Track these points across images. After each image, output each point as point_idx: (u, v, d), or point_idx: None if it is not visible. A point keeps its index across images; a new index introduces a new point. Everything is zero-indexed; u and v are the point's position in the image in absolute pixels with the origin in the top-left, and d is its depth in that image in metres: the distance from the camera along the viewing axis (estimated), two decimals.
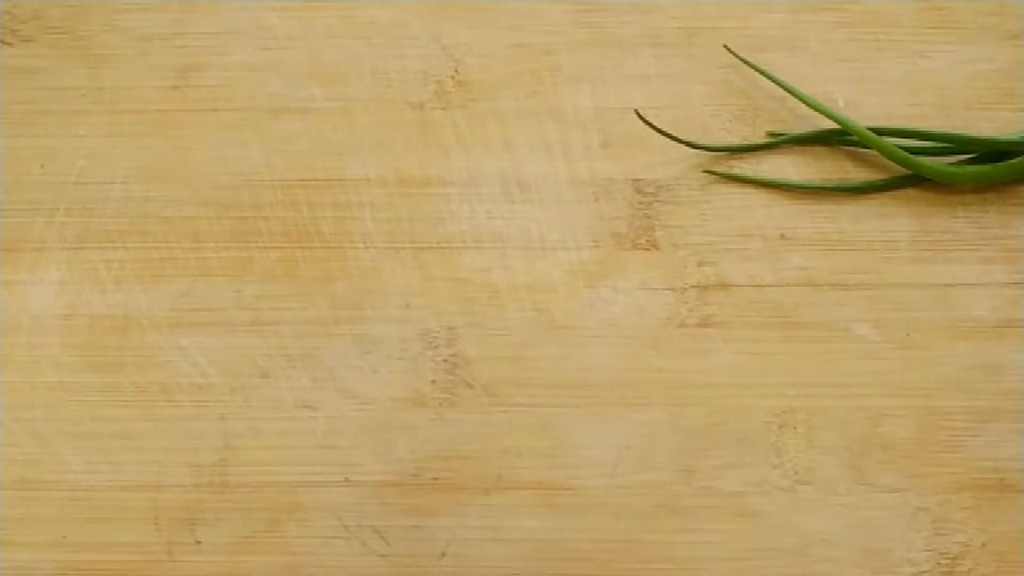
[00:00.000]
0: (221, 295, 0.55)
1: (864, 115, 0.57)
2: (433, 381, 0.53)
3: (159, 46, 0.60)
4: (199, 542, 0.51)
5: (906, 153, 0.56)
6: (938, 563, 0.50)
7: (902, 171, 0.56)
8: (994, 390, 0.52)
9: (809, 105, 0.57)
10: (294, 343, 0.54)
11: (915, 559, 0.50)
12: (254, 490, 0.52)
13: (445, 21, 0.60)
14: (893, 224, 0.56)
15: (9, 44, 0.60)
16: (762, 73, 0.57)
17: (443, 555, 0.51)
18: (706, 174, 0.57)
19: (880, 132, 0.56)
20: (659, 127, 0.56)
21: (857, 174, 0.57)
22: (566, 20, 0.60)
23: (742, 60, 0.58)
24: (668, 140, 0.56)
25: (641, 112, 0.56)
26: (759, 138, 0.57)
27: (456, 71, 0.59)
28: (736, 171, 0.57)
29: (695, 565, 0.50)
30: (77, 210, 0.57)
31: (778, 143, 0.57)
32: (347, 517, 0.52)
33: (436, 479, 0.52)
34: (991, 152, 0.56)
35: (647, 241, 0.56)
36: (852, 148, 0.57)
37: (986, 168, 0.55)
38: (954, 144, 0.56)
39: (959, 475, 0.51)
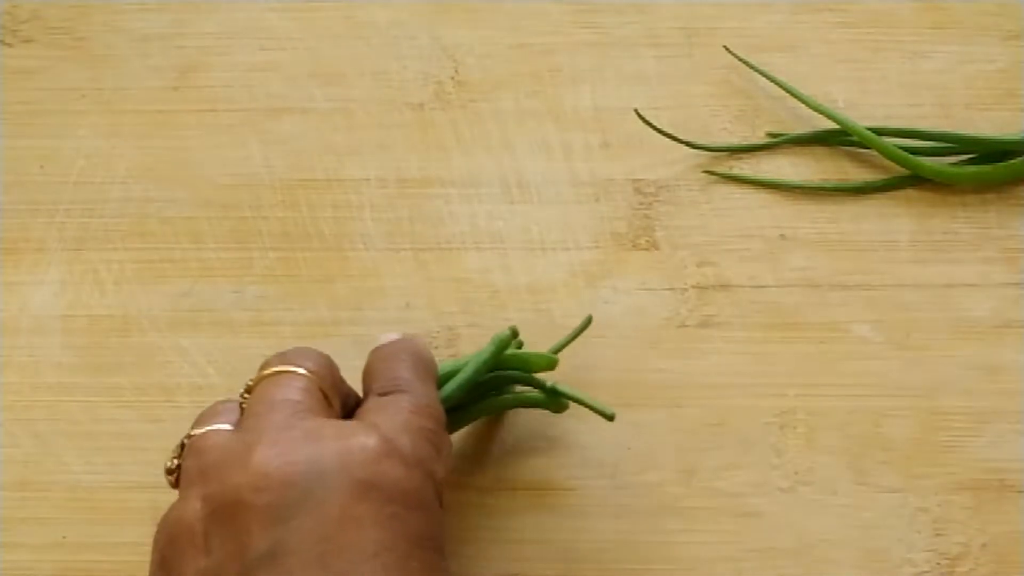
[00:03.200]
0: (221, 296, 0.55)
1: (864, 115, 0.57)
2: None
3: (159, 46, 0.60)
4: None
5: (906, 153, 0.56)
6: (938, 564, 0.50)
7: (902, 171, 0.56)
8: (994, 390, 0.52)
9: (809, 105, 0.57)
10: (294, 343, 0.54)
11: (915, 560, 0.50)
12: None
13: (445, 21, 0.60)
14: (893, 224, 0.56)
15: (9, 45, 0.60)
16: (762, 73, 0.57)
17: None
18: (706, 174, 0.57)
19: (880, 132, 0.56)
20: (659, 127, 0.56)
21: (857, 174, 0.57)
22: (566, 20, 0.60)
23: (742, 60, 0.58)
24: (668, 140, 0.56)
25: (641, 112, 0.57)
26: (759, 138, 0.57)
27: (456, 71, 0.59)
28: (736, 171, 0.57)
29: (695, 565, 0.50)
30: (77, 210, 0.57)
31: (778, 143, 0.57)
32: None
33: None
34: (991, 152, 0.56)
35: (647, 241, 0.56)
36: (852, 148, 0.57)
37: (986, 168, 0.55)
38: (954, 144, 0.56)
39: (959, 476, 0.51)
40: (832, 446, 0.52)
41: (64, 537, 0.51)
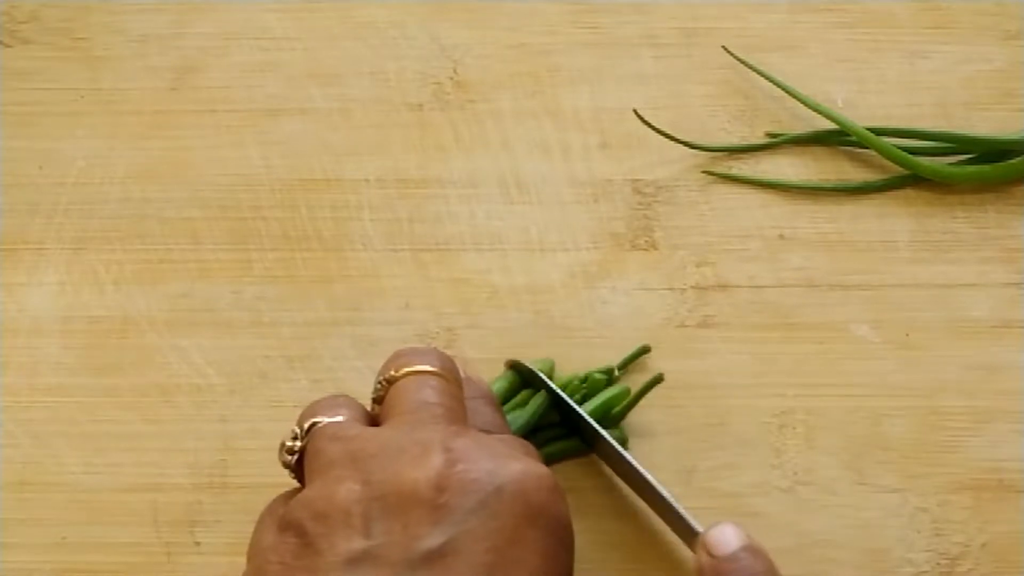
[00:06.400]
0: (220, 296, 0.55)
1: (863, 115, 0.57)
2: None
3: (157, 47, 0.60)
4: (198, 543, 0.51)
5: (905, 153, 0.56)
6: (937, 563, 0.50)
7: (901, 171, 0.56)
8: (993, 390, 0.52)
9: (808, 105, 0.57)
10: (293, 344, 0.54)
11: (915, 559, 0.50)
12: (253, 491, 0.52)
13: (443, 22, 0.60)
14: (892, 224, 0.56)
15: (8, 46, 0.60)
16: (760, 74, 0.57)
17: None
18: (705, 174, 0.57)
19: (879, 132, 0.56)
20: (658, 127, 0.56)
21: (856, 174, 0.57)
22: (565, 20, 0.60)
23: (740, 61, 0.58)
24: (667, 140, 0.56)
25: (640, 112, 0.57)
26: (758, 138, 0.57)
27: (455, 72, 0.59)
28: (735, 171, 0.57)
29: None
30: (76, 211, 0.57)
31: (777, 143, 0.57)
32: None
33: None
34: (990, 152, 0.56)
35: (646, 242, 0.56)
36: (851, 148, 0.57)
37: (985, 168, 0.55)
38: (953, 144, 0.56)
39: (958, 475, 0.51)
40: (831, 446, 0.52)
41: (64, 537, 0.51)
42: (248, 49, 0.60)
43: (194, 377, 0.54)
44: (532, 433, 0.51)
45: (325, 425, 0.43)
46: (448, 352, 0.53)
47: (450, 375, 0.45)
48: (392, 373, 0.45)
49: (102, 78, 0.59)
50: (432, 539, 0.38)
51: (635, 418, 0.52)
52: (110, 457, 0.53)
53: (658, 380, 0.51)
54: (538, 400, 0.51)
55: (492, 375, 0.53)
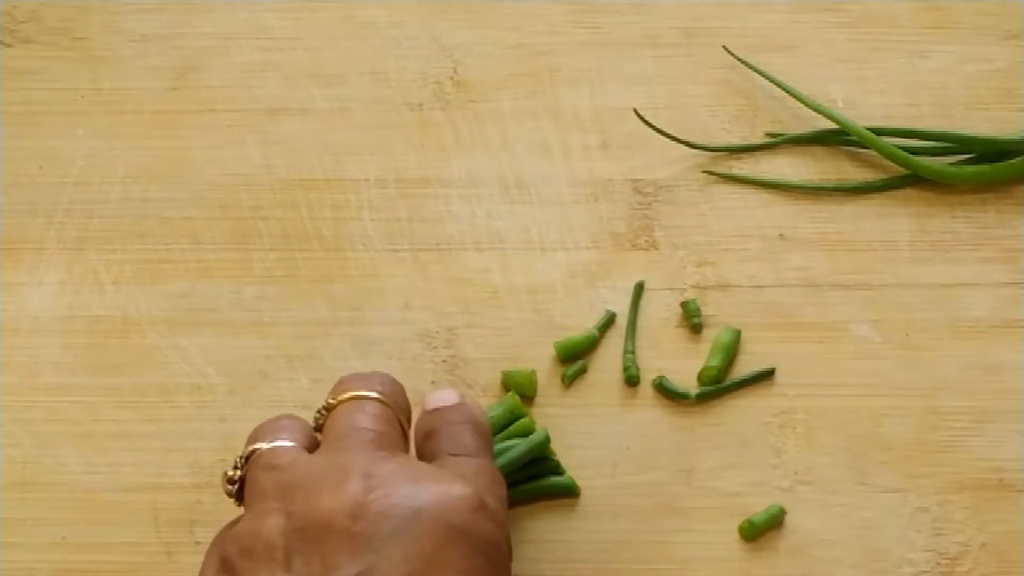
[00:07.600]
0: (220, 296, 0.55)
1: (863, 115, 0.57)
2: (432, 382, 0.53)
3: (158, 47, 0.60)
4: (198, 543, 0.51)
5: (905, 153, 0.56)
6: (937, 563, 0.50)
7: (901, 171, 0.56)
8: (994, 390, 0.52)
9: (808, 105, 0.57)
10: (293, 344, 0.54)
11: (915, 559, 0.50)
12: None
13: (444, 22, 0.60)
14: (892, 224, 0.56)
15: (8, 45, 0.60)
16: (761, 73, 0.57)
17: None
18: (705, 174, 0.57)
19: (879, 132, 0.56)
20: (658, 127, 0.56)
21: (856, 174, 0.57)
22: (565, 21, 0.60)
23: (741, 61, 0.58)
24: (667, 140, 0.56)
25: (640, 112, 0.57)
26: (758, 138, 0.57)
27: (455, 72, 0.59)
28: (735, 171, 0.57)
29: (695, 565, 0.50)
30: (76, 211, 0.57)
31: (777, 143, 0.57)
32: None
33: None
34: (990, 152, 0.56)
35: (646, 241, 0.56)
36: (851, 148, 0.57)
37: (985, 168, 0.56)
38: (953, 144, 0.56)
39: (959, 475, 0.51)
40: (832, 446, 0.52)
41: (64, 537, 0.51)
42: (248, 49, 0.60)
43: (194, 377, 0.54)
44: (527, 466, 0.50)
45: (262, 453, 0.43)
46: (448, 352, 0.53)
47: (390, 400, 0.45)
48: (330, 400, 0.45)
49: (102, 78, 0.59)
50: (348, 569, 0.38)
51: (636, 416, 0.52)
52: (110, 457, 0.53)
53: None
54: (538, 437, 0.50)
55: (492, 374, 0.53)
